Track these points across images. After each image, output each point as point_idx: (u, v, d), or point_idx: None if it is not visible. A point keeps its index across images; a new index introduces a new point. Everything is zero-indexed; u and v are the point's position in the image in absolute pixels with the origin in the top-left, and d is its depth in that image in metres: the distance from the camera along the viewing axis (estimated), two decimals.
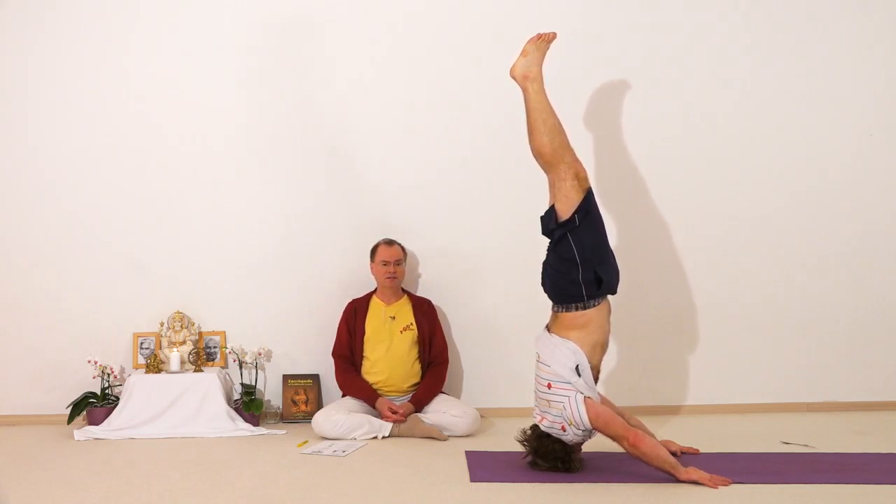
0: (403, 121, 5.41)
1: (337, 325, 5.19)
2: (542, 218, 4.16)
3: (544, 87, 4.16)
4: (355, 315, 5.16)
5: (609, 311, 4.17)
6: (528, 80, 4.16)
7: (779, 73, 5.44)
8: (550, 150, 4.08)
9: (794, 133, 5.46)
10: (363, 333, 5.11)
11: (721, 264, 5.45)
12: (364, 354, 5.10)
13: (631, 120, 5.41)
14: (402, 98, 5.41)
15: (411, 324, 5.14)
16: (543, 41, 4.22)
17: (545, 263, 4.18)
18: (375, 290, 5.22)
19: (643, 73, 5.41)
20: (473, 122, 5.40)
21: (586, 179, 4.10)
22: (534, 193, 5.11)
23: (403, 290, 5.25)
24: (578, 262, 4.02)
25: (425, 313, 5.18)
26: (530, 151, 4.15)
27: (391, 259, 5.11)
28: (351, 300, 5.23)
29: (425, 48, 5.40)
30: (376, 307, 5.17)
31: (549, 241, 4.16)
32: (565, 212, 4.05)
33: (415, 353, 5.10)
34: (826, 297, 5.47)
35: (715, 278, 5.44)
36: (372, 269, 5.18)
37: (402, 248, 5.18)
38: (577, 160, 4.10)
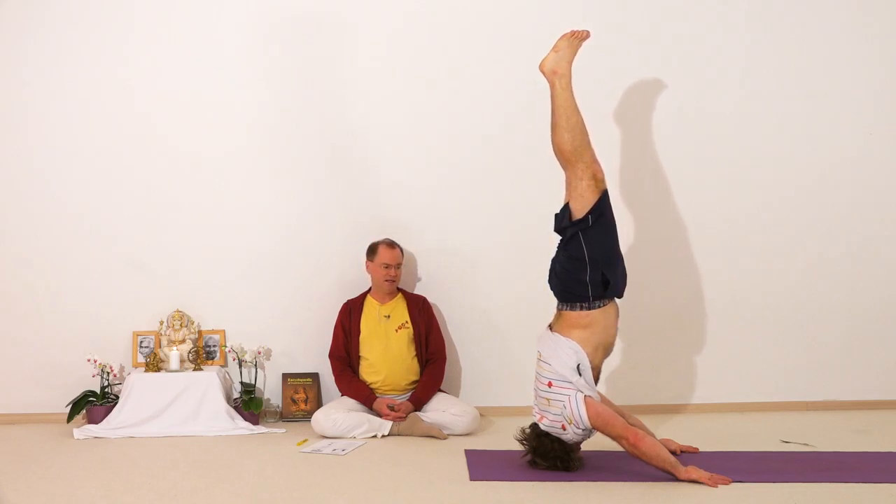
0: (403, 121, 5.41)
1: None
2: (556, 215, 4.15)
3: (572, 84, 4.15)
4: (350, 315, 5.15)
5: (616, 314, 4.15)
6: (557, 75, 4.14)
7: (779, 72, 5.44)
8: (571, 148, 4.08)
9: (795, 132, 5.45)
10: (359, 333, 5.11)
11: (721, 264, 5.45)
12: (361, 354, 5.10)
13: (630, 120, 5.40)
14: (402, 98, 5.40)
15: (406, 322, 5.13)
16: (576, 38, 4.21)
17: (554, 261, 4.18)
18: (370, 289, 5.22)
19: (643, 73, 5.40)
20: (474, 123, 5.40)
21: (603, 181, 4.10)
22: (534, 193, 5.13)
23: (398, 289, 5.23)
24: (587, 262, 4.02)
25: (420, 311, 5.18)
26: (551, 147, 4.15)
27: (393, 262, 5.10)
28: (346, 301, 5.22)
29: (425, 48, 5.40)
30: (371, 306, 5.16)
31: (559, 238, 4.16)
32: (579, 211, 4.05)
33: (412, 351, 5.10)
34: (826, 297, 5.46)
35: (715, 278, 5.44)
36: (369, 267, 5.16)
37: (402, 251, 5.18)
38: (595, 161, 4.11)
